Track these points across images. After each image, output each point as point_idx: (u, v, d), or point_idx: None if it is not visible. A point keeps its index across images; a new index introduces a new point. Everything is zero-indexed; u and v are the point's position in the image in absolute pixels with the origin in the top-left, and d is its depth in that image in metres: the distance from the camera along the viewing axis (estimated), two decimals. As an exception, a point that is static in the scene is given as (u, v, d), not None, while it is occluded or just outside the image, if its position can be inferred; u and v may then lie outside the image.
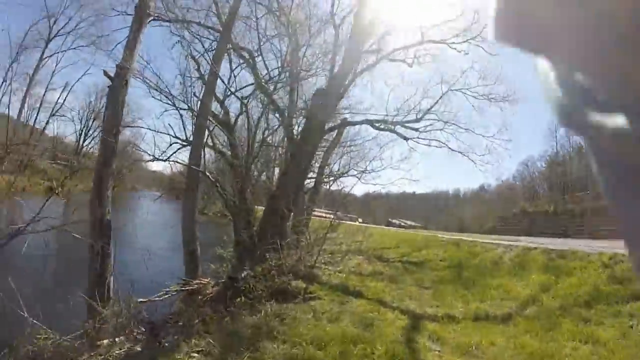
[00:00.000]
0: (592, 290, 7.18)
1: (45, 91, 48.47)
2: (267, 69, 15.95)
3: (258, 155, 17.35)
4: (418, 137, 17.24)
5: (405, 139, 17.19)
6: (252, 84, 15.37)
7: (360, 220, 46.41)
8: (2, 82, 43.65)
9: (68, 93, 50.79)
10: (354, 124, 18.32)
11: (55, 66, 48.04)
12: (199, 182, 13.32)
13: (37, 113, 48.00)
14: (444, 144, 17.30)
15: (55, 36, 44.25)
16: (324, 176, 20.16)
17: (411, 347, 5.11)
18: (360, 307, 7.14)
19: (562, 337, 5.47)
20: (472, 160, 17.44)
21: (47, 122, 50.30)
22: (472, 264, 11.43)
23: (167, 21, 12.76)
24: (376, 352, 4.89)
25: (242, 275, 8.91)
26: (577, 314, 6.24)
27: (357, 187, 78.50)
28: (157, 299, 8.23)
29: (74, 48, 44.43)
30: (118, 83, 9.44)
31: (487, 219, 56.71)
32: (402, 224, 58.51)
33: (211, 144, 16.11)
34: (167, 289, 8.77)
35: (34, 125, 49.53)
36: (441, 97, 16.91)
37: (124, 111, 10.28)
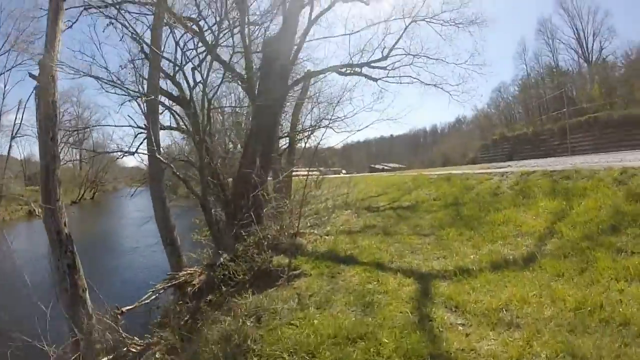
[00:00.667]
0: (614, 212, 6.20)
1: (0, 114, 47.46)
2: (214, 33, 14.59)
3: (224, 125, 16.44)
4: (387, 77, 16.57)
5: (374, 79, 16.53)
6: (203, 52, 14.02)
7: (344, 172, 45.58)
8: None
9: (24, 112, 50.34)
10: (318, 73, 17.46)
11: (5, 87, 48.23)
12: (163, 168, 12.60)
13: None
14: (415, 78, 16.67)
15: None
16: (297, 132, 19.30)
17: (427, 330, 3.98)
18: (354, 277, 6.05)
19: (601, 276, 4.49)
20: (448, 92, 17.05)
21: (10, 146, 49.16)
22: (469, 198, 10.43)
23: (97, 7, 11.02)
24: (383, 350, 3.76)
25: (219, 261, 8.02)
26: (608, 244, 5.24)
27: (334, 138, 77.54)
28: (145, 301, 7.88)
29: (19, 64, 42.81)
30: (44, 80, 8.67)
31: (469, 150, 56.89)
32: (385, 167, 58.37)
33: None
34: (154, 289, 8.36)
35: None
36: (405, 29, 16.06)
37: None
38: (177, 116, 15.38)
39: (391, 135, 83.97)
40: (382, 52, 15.83)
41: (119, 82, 10.13)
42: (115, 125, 19.54)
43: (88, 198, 66.05)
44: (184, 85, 11.63)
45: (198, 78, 11.17)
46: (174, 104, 14.85)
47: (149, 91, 11.44)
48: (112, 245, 27.02)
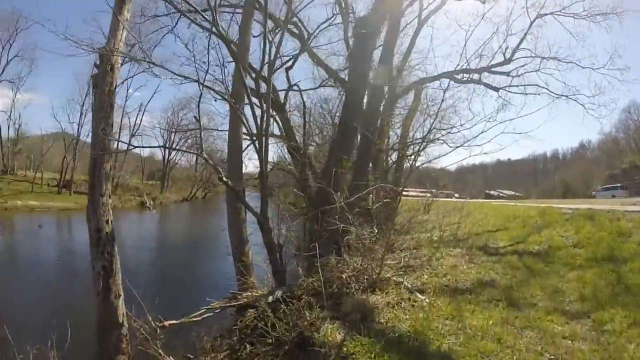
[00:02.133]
0: None
1: (122, 116, 55.63)
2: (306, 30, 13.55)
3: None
4: (510, 85, 14.11)
5: (495, 89, 14.13)
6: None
7: (456, 195, 41.96)
8: (80, 115, 52.99)
9: (143, 113, 61.07)
10: (430, 80, 15.49)
11: (127, 91, 57.83)
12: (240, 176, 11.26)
13: (119, 136, 51.88)
14: (543, 87, 14.05)
15: (121, 64, 47.18)
16: (407, 144, 17.13)
17: None
18: None
19: None
20: (582, 104, 14.16)
21: (129, 143, 55.70)
22: (631, 251, 7.19)
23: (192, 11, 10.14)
24: None
25: (272, 297, 6.59)
26: None
27: (448, 159, 73.86)
28: (196, 318, 6.83)
29: (142, 72, 48.76)
30: (102, 69, 8.22)
31: (594, 179, 50.62)
32: (501, 194, 53.98)
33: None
34: (209, 306, 7.14)
35: (117, 147, 54.25)
36: (530, 25, 13.52)
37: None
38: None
39: (509, 159, 78.04)
40: (503, 55, 13.51)
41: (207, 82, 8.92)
42: (219, 130, 19.10)
43: (200, 197, 69.30)
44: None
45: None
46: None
47: (234, 93, 10.19)
48: (191, 247, 26.38)
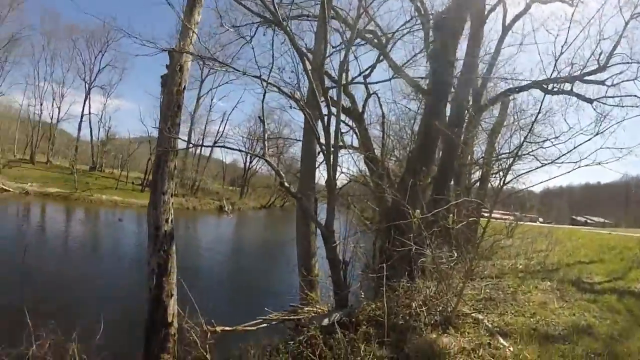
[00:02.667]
0: None
1: (206, 124, 61.49)
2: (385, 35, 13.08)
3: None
4: (605, 96, 12.18)
5: (589, 100, 12.36)
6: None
7: (540, 220, 39.12)
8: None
9: (226, 122, 64.21)
10: (518, 90, 13.79)
11: (211, 101, 63.05)
12: (313, 186, 10.94)
13: (202, 142, 59.38)
14: None
15: (207, 76, 55.68)
16: (492, 160, 15.66)
17: None
18: None
19: None
20: None
21: (211, 151, 63.27)
22: None
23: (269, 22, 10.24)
24: None
25: (327, 320, 5.83)
26: None
27: (535, 177, 69.79)
28: (250, 327, 6.55)
29: (225, 83, 58.00)
30: (171, 69, 8.23)
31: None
32: (589, 221, 50.07)
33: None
34: (266, 317, 6.88)
35: (200, 153, 62.45)
36: (625, 26, 11.58)
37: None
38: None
39: (598, 182, 72.54)
40: (597, 61, 11.73)
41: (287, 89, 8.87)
42: (297, 140, 19.13)
43: (278, 205, 70.09)
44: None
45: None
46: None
47: (309, 101, 9.66)
48: (261, 255, 26.45)
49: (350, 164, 21.70)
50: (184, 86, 8.42)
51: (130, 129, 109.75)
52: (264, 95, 7.56)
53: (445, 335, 5.08)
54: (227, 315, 7.61)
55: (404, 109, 17.24)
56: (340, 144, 10.59)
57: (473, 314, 5.94)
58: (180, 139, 8.62)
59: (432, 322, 5.38)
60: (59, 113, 57.18)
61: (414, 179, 7.94)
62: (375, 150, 13.76)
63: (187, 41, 8.25)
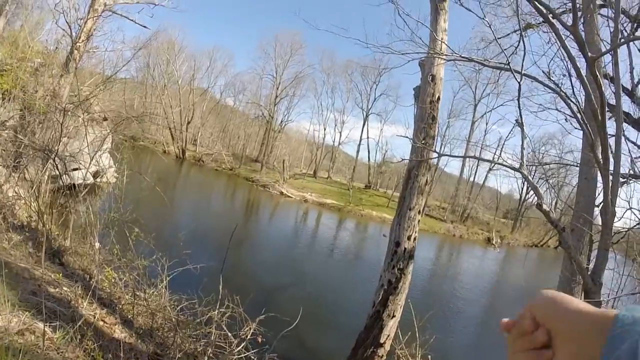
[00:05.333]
0: None
1: (481, 150, 57.63)
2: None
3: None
4: None
5: None
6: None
7: None
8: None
9: (502, 147, 60.28)
10: None
11: (485, 125, 66.59)
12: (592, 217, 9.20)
13: (476, 169, 60.53)
14: None
15: (480, 99, 55.12)
16: None
17: None
18: None
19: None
20: None
21: (485, 178, 61.97)
22: None
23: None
24: None
25: None
26: None
27: None
28: None
29: (499, 106, 53.74)
30: (423, 80, 8.46)
31: None
32: None
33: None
34: None
35: (473, 180, 61.57)
36: None
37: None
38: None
39: None
40: None
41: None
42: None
43: (551, 247, 63.22)
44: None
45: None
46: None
47: (586, 111, 8.46)
48: (522, 300, 23.22)
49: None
50: (438, 96, 8.30)
51: (406, 153, 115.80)
52: (519, 94, 6.70)
53: None
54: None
55: None
56: (630, 171, 8.43)
57: None
58: (434, 151, 8.30)
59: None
60: (340, 137, 67.00)
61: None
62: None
63: (436, 49, 7.94)
